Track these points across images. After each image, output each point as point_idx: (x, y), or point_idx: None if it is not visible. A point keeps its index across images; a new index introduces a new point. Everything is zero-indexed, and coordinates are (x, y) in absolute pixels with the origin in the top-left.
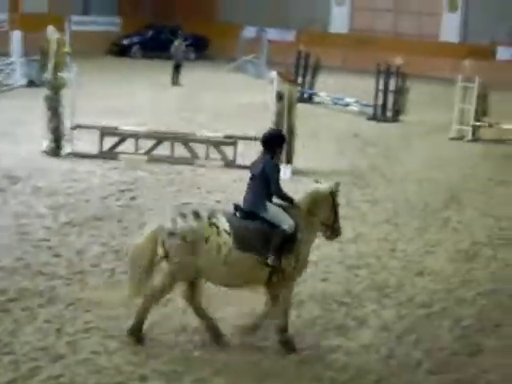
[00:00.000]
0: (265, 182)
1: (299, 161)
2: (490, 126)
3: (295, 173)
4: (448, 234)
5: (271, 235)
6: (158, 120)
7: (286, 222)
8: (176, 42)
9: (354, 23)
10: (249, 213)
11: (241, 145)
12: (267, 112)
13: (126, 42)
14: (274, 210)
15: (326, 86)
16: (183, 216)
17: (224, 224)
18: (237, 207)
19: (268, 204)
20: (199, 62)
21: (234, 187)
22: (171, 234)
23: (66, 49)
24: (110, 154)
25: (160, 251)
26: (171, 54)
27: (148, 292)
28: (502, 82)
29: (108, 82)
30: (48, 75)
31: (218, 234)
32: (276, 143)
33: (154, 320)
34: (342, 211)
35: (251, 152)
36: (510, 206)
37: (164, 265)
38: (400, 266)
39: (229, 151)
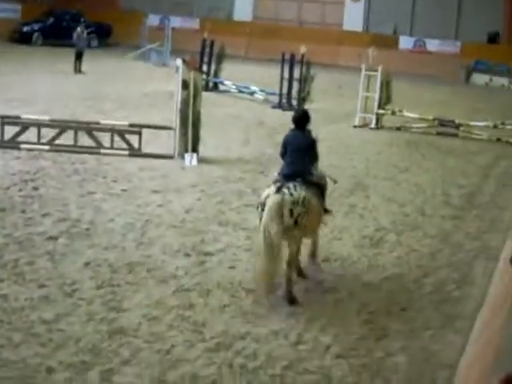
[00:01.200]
0: (310, 152)
1: (205, 149)
2: (393, 113)
3: (201, 161)
4: (354, 221)
5: (323, 190)
6: (60, 109)
7: (325, 179)
8: (78, 29)
9: (257, 11)
10: (302, 176)
11: (146, 133)
12: (172, 100)
13: (26, 29)
14: (315, 173)
15: (230, 74)
16: (287, 188)
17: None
18: (293, 175)
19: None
20: (102, 50)
21: (140, 176)
22: (295, 202)
23: None
24: (11, 144)
25: (288, 221)
26: (73, 41)
27: (285, 263)
28: (405, 70)
29: (9, 71)
30: None
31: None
32: (306, 121)
33: (60, 312)
34: (246, 200)
35: (157, 141)
36: (413, 193)
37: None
38: (306, 253)
39: (134, 140)
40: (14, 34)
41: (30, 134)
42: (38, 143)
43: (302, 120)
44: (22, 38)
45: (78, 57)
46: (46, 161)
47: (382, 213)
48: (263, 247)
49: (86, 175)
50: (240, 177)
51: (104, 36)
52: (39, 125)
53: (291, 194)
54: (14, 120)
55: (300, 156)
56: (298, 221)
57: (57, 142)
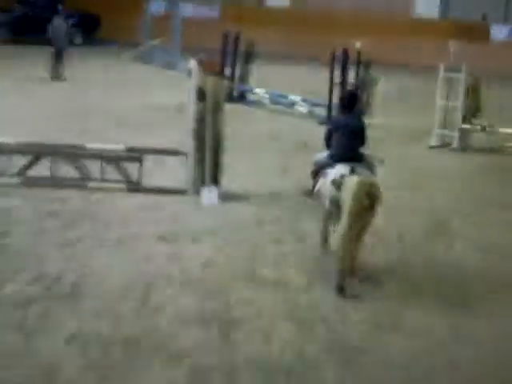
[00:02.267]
0: (362, 135)
1: (229, 181)
2: (484, 129)
3: (224, 197)
4: (431, 279)
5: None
6: (34, 128)
7: (374, 163)
8: (55, 22)
9: None
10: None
11: (149, 161)
12: (184, 116)
13: None
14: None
15: (262, 79)
16: (353, 172)
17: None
18: (348, 158)
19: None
20: (88, 49)
21: (142, 218)
22: (373, 185)
23: None
24: None
25: (366, 203)
26: (49, 37)
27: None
28: (498, 69)
29: None
30: None
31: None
32: (355, 102)
33: None
34: (285, 249)
35: (163, 170)
36: None
37: None
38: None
39: (132, 169)
40: None
41: None
42: (5, 175)
43: (351, 101)
44: None
45: (57, 58)
46: (15, 199)
47: (470, 268)
48: (346, 228)
49: (68, 218)
50: (277, 218)
51: (90, 30)
52: (4, 150)
53: (367, 177)
54: None
55: (352, 139)
56: (374, 205)
57: (29, 173)
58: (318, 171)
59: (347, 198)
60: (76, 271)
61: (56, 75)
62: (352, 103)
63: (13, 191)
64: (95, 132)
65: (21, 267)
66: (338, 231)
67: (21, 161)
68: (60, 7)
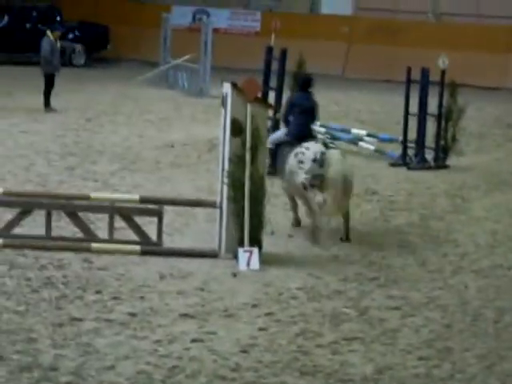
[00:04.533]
0: (313, 113)
1: (274, 240)
2: None
3: (266, 261)
4: None
5: None
6: (22, 173)
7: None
8: (49, 36)
9: (362, 0)
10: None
11: (170, 214)
12: (214, 155)
13: None
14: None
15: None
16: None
17: None
18: (305, 136)
19: None
20: (93, 70)
21: (161, 289)
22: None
23: None
24: None
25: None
26: (41, 55)
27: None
28: None
29: None
30: None
31: None
32: (309, 85)
33: None
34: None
35: (188, 226)
36: None
37: None
38: None
39: (149, 226)
40: None
41: None
42: None
43: (305, 83)
44: None
45: (50, 82)
46: None
47: None
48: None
49: (66, 289)
50: (335, 289)
51: (96, 46)
52: None
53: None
54: None
55: (307, 117)
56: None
57: (16, 230)
58: (276, 150)
59: (336, 169)
60: (76, 358)
61: (48, 105)
62: (306, 85)
63: None
64: (101, 177)
65: (4, 354)
66: (329, 200)
67: (5, 214)
68: (57, 18)
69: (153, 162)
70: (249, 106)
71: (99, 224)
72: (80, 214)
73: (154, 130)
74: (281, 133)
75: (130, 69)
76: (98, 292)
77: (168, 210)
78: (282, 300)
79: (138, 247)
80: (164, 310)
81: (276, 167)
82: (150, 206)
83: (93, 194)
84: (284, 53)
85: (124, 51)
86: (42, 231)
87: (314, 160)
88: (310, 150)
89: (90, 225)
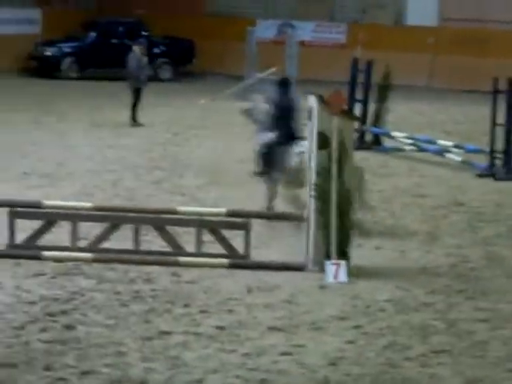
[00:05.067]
0: (293, 113)
1: (361, 253)
2: None
3: (354, 274)
4: None
5: None
6: (110, 188)
7: None
8: (135, 50)
9: (447, 10)
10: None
11: (256, 227)
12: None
13: (50, 51)
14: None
15: (403, 119)
16: None
17: None
18: (292, 136)
19: None
20: (179, 84)
21: (249, 302)
22: None
23: None
24: (27, 250)
25: None
26: (128, 70)
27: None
28: None
29: (21, 124)
30: None
31: None
32: (288, 85)
33: None
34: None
35: (274, 240)
36: None
37: None
38: None
39: (236, 239)
40: (31, 59)
41: (60, 233)
42: (74, 248)
43: (283, 83)
44: (43, 67)
45: (137, 97)
46: (87, 278)
47: None
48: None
49: (154, 303)
50: (423, 301)
51: (182, 60)
52: (75, 217)
53: None
54: (31, 210)
55: (291, 118)
56: None
57: (105, 245)
58: (267, 152)
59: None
60: (165, 371)
61: (136, 119)
62: (283, 85)
63: (85, 269)
64: (188, 191)
65: (94, 368)
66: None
67: (94, 229)
68: (143, 32)
69: (239, 174)
70: (335, 119)
71: (187, 238)
72: (168, 228)
73: (240, 143)
74: (267, 136)
75: (216, 83)
76: (186, 305)
77: (255, 223)
78: (370, 312)
79: (225, 260)
80: (252, 322)
81: (269, 168)
82: (237, 220)
83: (180, 208)
84: (370, 64)
85: (209, 65)
86: (130, 245)
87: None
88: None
89: (177, 239)
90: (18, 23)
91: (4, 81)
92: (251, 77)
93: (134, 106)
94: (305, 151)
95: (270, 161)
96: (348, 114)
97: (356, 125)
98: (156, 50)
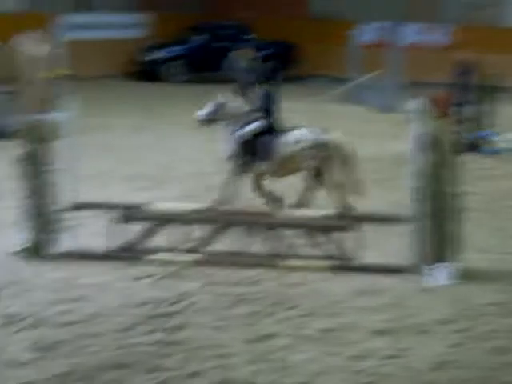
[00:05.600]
0: (273, 102)
1: (466, 255)
2: None
3: (460, 276)
4: None
5: None
6: (214, 190)
7: None
8: (241, 54)
9: None
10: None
11: (362, 229)
12: (403, 171)
13: (157, 56)
14: None
15: (510, 120)
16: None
17: None
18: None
19: None
20: (284, 87)
21: (356, 305)
22: None
23: (59, 71)
24: (134, 253)
25: None
26: (234, 74)
27: None
28: None
29: (127, 128)
30: (24, 118)
31: None
32: (270, 76)
33: None
34: None
35: (378, 241)
36: None
37: None
38: None
39: (343, 241)
40: (137, 64)
41: (167, 236)
42: (181, 251)
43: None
44: (149, 71)
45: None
46: (193, 281)
47: None
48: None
49: (258, 305)
50: None
51: (286, 64)
52: (182, 219)
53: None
54: (138, 212)
55: (272, 107)
56: None
57: (211, 247)
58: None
59: (341, 151)
60: (270, 374)
61: None
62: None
63: (189, 271)
64: (296, 193)
65: (199, 370)
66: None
67: (198, 232)
68: (248, 36)
69: None
70: (438, 122)
71: (294, 240)
72: (275, 230)
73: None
74: (253, 126)
75: (320, 86)
76: (290, 308)
77: (361, 226)
78: (474, 316)
79: (331, 263)
80: (357, 326)
81: (257, 156)
82: (343, 223)
83: (287, 210)
84: (474, 66)
85: (313, 68)
86: (236, 248)
87: (316, 145)
88: (305, 135)
89: (284, 241)
90: (126, 27)
91: (111, 85)
92: (353, 80)
93: None
94: (302, 140)
95: (254, 149)
96: (451, 117)
97: (460, 128)
98: (261, 54)
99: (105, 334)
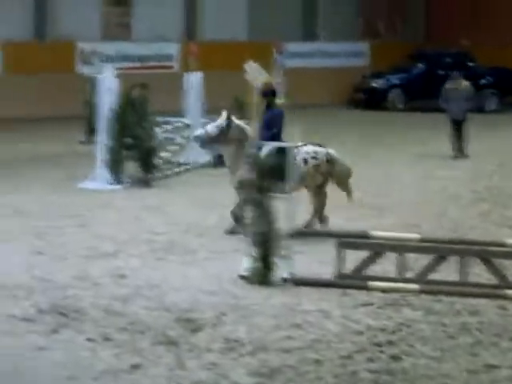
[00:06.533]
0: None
1: None
2: None
3: None
4: None
5: None
6: (434, 219)
7: None
8: (448, 84)
9: None
10: None
11: None
12: None
13: (378, 83)
14: None
15: None
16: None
17: None
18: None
19: None
20: (506, 115)
21: None
22: None
23: (281, 99)
24: (355, 280)
25: None
26: (445, 102)
27: None
28: None
29: (349, 154)
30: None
31: None
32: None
33: None
34: None
35: None
36: None
37: None
38: None
39: None
40: (358, 92)
41: (387, 264)
42: (400, 279)
43: (269, 94)
44: (370, 99)
45: (457, 129)
46: (413, 310)
47: None
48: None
49: (481, 335)
50: None
51: (509, 91)
52: (402, 248)
53: None
54: (358, 240)
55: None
56: None
57: (431, 277)
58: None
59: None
60: None
61: (456, 151)
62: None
63: (411, 300)
64: None
65: None
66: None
67: (420, 260)
68: (470, 63)
69: None
70: None
71: None
72: (495, 260)
73: None
74: (267, 149)
75: None
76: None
77: None
78: None
79: None
80: None
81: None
82: None
83: (508, 241)
84: None
85: None
86: (456, 277)
87: (328, 160)
88: (318, 151)
89: (505, 271)
90: (347, 56)
91: (333, 113)
92: None
93: (455, 138)
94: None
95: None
96: None
97: None
98: (482, 81)
99: (325, 361)
